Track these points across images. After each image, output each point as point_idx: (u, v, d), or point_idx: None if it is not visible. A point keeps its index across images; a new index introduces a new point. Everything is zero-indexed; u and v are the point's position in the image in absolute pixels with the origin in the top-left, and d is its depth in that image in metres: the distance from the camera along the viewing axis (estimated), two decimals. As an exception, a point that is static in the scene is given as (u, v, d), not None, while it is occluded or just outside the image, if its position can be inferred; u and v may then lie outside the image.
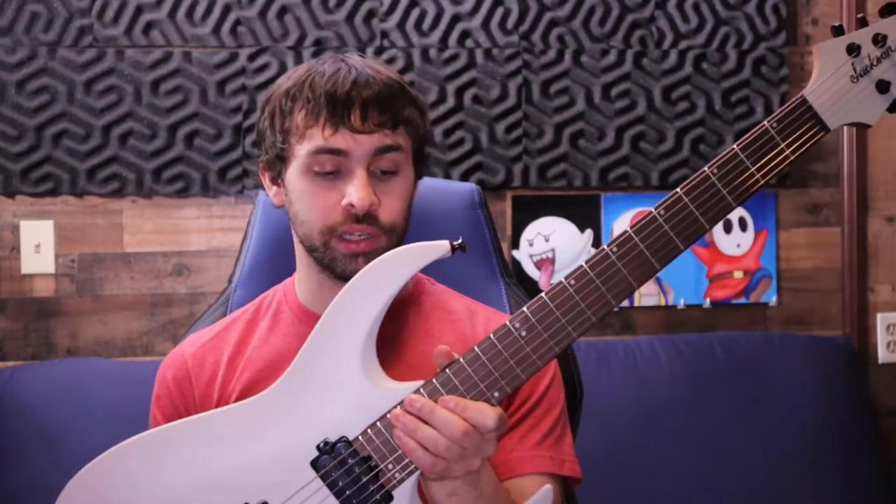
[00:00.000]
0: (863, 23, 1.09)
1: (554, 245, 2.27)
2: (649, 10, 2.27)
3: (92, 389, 2.04)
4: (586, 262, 1.04)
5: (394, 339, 1.27)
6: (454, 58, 2.22)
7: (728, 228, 2.32)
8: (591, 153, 2.26)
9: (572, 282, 1.04)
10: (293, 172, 1.23)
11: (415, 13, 2.21)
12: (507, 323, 1.04)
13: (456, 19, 2.23)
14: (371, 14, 2.21)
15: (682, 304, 2.28)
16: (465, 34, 2.23)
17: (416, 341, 1.27)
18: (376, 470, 1.05)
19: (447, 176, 2.21)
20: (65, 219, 2.17)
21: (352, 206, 1.18)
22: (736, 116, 2.29)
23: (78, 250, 2.17)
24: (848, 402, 2.20)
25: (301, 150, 1.21)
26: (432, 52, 2.22)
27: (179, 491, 1.09)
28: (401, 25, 2.21)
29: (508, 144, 2.24)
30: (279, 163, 1.25)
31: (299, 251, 1.29)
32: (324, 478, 1.05)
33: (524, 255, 2.26)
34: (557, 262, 2.27)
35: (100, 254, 2.18)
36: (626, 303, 2.28)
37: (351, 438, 1.06)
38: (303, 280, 1.31)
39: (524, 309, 1.04)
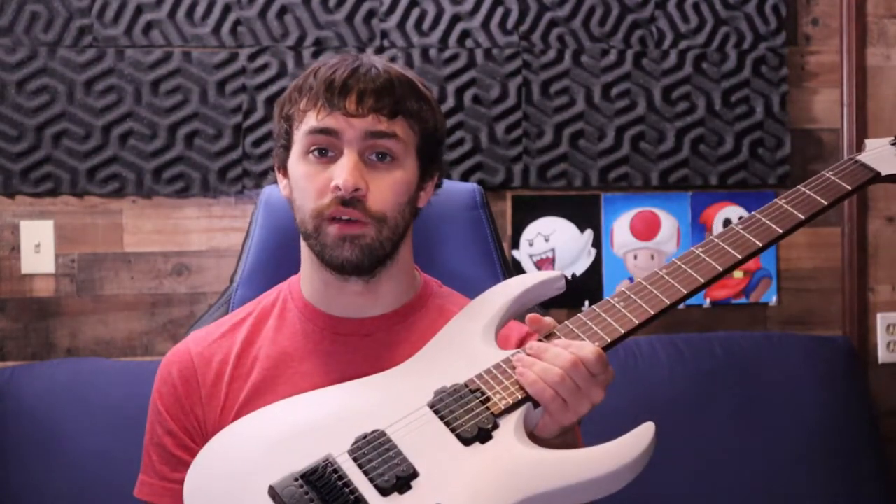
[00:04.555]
0: None
1: (554, 245, 2.27)
2: (649, 10, 2.27)
3: (92, 389, 2.04)
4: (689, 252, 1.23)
5: (405, 340, 1.27)
6: (454, 58, 2.23)
7: (728, 228, 2.32)
8: (591, 153, 2.27)
9: (665, 269, 1.20)
10: (293, 158, 1.26)
11: (415, 13, 2.21)
12: (608, 299, 1.19)
13: (456, 19, 2.23)
14: (371, 14, 2.21)
15: (622, 287, 2.27)
16: (465, 34, 2.23)
17: (424, 343, 1.27)
18: (484, 397, 1.11)
19: (447, 176, 2.21)
20: (65, 219, 2.17)
21: (337, 187, 1.19)
22: (736, 116, 2.29)
23: (78, 250, 2.17)
24: (848, 402, 2.20)
25: (299, 134, 1.24)
26: (432, 52, 2.22)
27: (288, 431, 1.14)
28: (401, 25, 2.21)
29: (508, 144, 2.24)
30: (284, 152, 1.28)
31: (305, 248, 1.29)
32: (434, 409, 1.12)
33: (524, 255, 2.27)
34: (557, 262, 2.27)
35: (100, 254, 2.18)
36: (626, 303, 2.28)
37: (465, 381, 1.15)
38: (307, 278, 1.31)
39: (623, 289, 1.20)
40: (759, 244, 1.19)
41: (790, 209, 1.21)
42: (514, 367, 1.12)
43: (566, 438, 1.13)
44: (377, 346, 1.27)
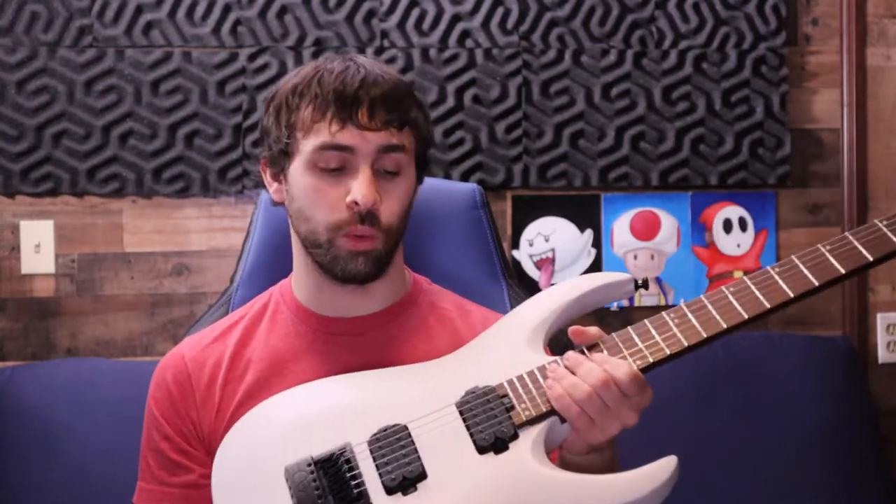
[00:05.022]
0: None
1: (554, 245, 2.27)
2: (649, 10, 2.27)
3: (92, 389, 2.04)
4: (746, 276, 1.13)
5: (396, 337, 1.28)
6: (454, 58, 2.23)
7: (728, 228, 2.32)
8: (591, 153, 2.27)
9: (732, 288, 1.12)
10: (297, 168, 1.22)
11: (415, 13, 2.21)
12: (663, 314, 1.13)
13: (456, 19, 2.23)
14: (371, 14, 2.21)
15: (682, 303, 2.28)
16: (465, 34, 2.23)
17: (417, 340, 1.28)
18: (509, 405, 1.09)
19: (447, 176, 2.21)
20: (65, 219, 2.17)
21: (355, 203, 1.18)
22: (736, 116, 2.29)
23: (78, 250, 2.17)
24: (848, 402, 2.20)
25: (306, 146, 1.21)
26: (432, 52, 2.22)
27: (318, 414, 1.15)
28: (401, 25, 2.21)
29: (508, 144, 2.24)
30: (283, 158, 1.24)
31: (297, 252, 1.29)
32: (460, 409, 1.10)
33: (524, 255, 2.27)
34: (557, 262, 2.27)
35: (100, 254, 2.18)
36: (626, 302, 2.28)
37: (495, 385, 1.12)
38: (300, 281, 1.31)
39: (681, 304, 1.14)
40: (843, 271, 1.07)
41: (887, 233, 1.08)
42: (546, 377, 1.10)
43: (599, 458, 1.11)
44: (370, 345, 1.27)
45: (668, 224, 2.31)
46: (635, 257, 2.30)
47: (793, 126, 2.32)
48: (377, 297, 1.29)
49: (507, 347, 1.17)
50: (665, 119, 2.28)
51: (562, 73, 2.25)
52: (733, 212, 2.32)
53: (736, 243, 2.32)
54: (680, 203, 2.31)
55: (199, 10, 2.17)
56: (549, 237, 2.27)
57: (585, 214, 2.28)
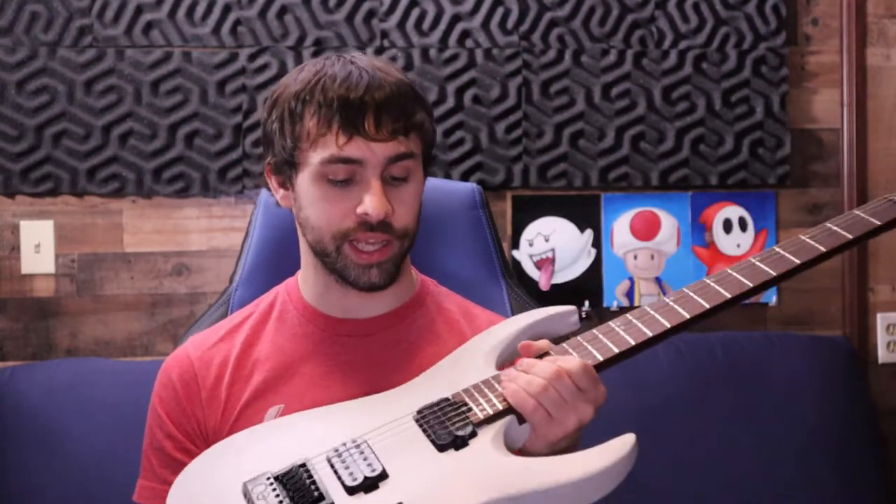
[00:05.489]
0: None
1: (554, 245, 2.27)
2: (649, 10, 2.27)
3: (92, 389, 2.04)
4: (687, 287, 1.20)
5: (404, 339, 1.28)
6: (454, 58, 2.23)
7: (728, 228, 2.32)
8: (591, 153, 2.27)
9: (672, 296, 1.17)
10: (304, 179, 1.21)
11: (415, 13, 2.21)
12: (609, 322, 1.16)
13: (456, 19, 2.23)
14: (371, 14, 2.21)
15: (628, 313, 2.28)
16: (465, 34, 2.23)
17: (425, 342, 1.28)
18: (466, 408, 1.11)
19: (447, 176, 2.21)
20: (65, 219, 2.17)
21: (367, 214, 1.18)
22: (736, 116, 2.29)
23: (78, 250, 2.17)
24: (848, 402, 2.20)
25: (314, 158, 1.19)
26: (432, 52, 2.22)
27: (276, 446, 1.15)
28: (401, 25, 2.21)
29: (508, 144, 2.24)
30: (289, 168, 1.23)
31: (306, 253, 1.29)
32: (417, 419, 1.12)
33: (524, 255, 2.27)
34: (557, 262, 2.27)
35: (100, 254, 2.18)
36: (626, 302, 2.28)
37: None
38: (308, 281, 1.30)
39: (627, 315, 1.17)
40: (774, 273, 1.16)
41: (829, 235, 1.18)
42: (501, 382, 1.12)
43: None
44: (378, 346, 1.27)
45: (668, 224, 2.31)
46: (635, 257, 2.30)
47: (793, 126, 2.32)
48: (385, 299, 1.29)
49: (463, 368, 1.19)
50: (665, 119, 2.28)
51: (562, 73, 2.25)
52: (733, 212, 2.32)
53: (736, 243, 2.32)
54: (680, 203, 2.31)
55: (199, 10, 2.17)
56: (549, 237, 2.27)
57: (585, 214, 2.28)
